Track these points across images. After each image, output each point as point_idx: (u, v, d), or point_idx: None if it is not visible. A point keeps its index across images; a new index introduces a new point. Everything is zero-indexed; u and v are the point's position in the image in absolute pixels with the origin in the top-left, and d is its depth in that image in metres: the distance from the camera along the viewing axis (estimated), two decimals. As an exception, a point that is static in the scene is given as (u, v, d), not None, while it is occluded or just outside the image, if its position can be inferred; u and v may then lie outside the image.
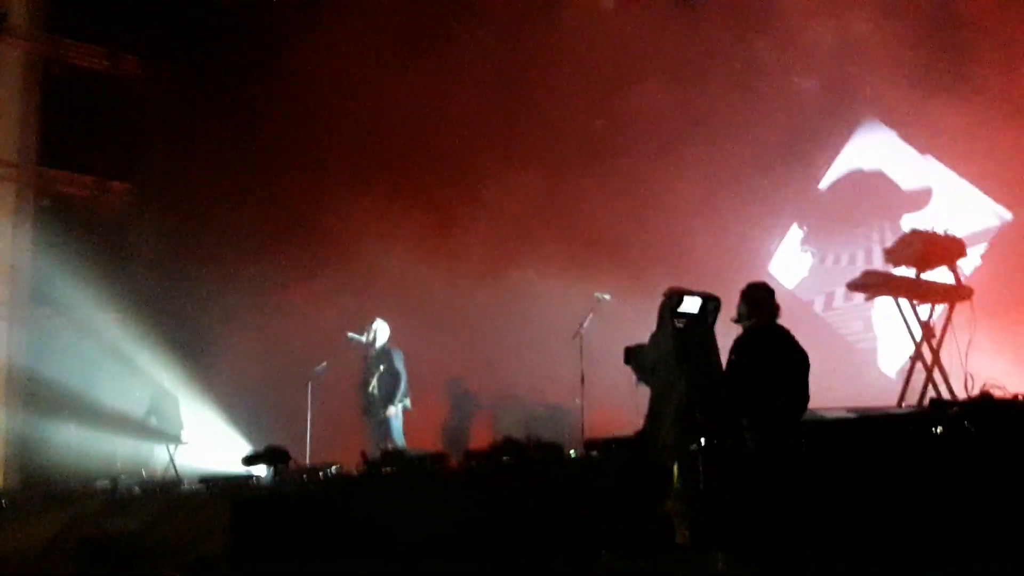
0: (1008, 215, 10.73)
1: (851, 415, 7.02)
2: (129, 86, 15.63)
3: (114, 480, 10.54)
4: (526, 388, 12.07)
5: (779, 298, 7.05)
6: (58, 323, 14.36)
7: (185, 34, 14.92)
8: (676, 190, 11.76)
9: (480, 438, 10.99)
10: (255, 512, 7.74)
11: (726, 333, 6.92)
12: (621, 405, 8.83)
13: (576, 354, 9.98)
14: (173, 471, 12.09)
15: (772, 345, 6.56)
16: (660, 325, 6.83)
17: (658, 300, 6.97)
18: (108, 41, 15.49)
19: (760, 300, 6.77)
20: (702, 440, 6.42)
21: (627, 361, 7.15)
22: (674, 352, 6.65)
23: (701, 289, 6.90)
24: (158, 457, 12.88)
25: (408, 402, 11.32)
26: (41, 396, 13.82)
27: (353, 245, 12.82)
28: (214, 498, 8.96)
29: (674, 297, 6.77)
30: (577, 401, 10.12)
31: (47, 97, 15.17)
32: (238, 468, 9.78)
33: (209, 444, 13.06)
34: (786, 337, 6.62)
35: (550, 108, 12.45)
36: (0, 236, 14.59)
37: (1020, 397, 5.96)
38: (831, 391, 8.00)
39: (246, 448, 11.61)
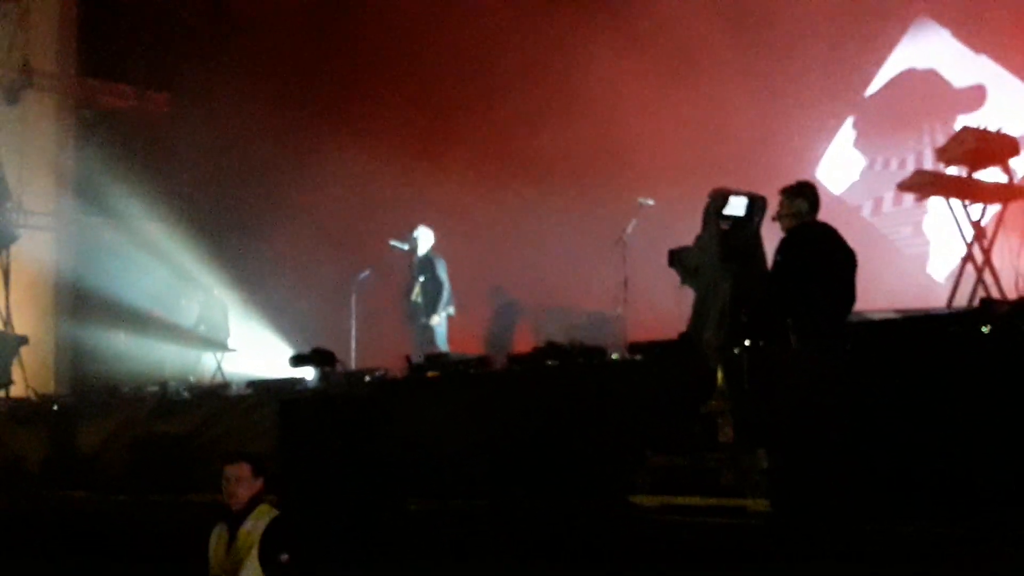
0: (1065, 116, 10.44)
1: (897, 316, 6.95)
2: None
3: (163, 385, 10.72)
4: (569, 295, 12.06)
5: (825, 203, 6.95)
6: (105, 233, 14.52)
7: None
8: (720, 93, 11.55)
9: (523, 344, 11.03)
10: (302, 413, 7.84)
11: (772, 235, 6.84)
12: (664, 312, 8.80)
13: (619, 260, 9.95)
14: (221, 376, 12.28)
15: (818, 244, 6.48)
16: (705, 226, 6.74)
17: (702, 204, 6.88)
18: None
19: (804, 198, 6.66)
20: (746, 340, 6.40)
21: (671, 263, 7.08)
22: (719, 253, 6.58)
23: (747, 190, 6.79)
24: (206, 364, 13.11)
25: (452, 309, 11.35)
26: (90, 305, 14.08)
27: (397, 153, 12.76)
28: (261, 401, 9.10)
29: (719, 198, 6.66)
30: (618, 310, 10.11)
31: (85, 8, 15.13)
32: (283, 374, 9.92)
33: (255, 351, 13.25)
34: (832, 235, 6.53)
35: (594, 9, 12.19)
36: (43, 147, 14.71)
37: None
38: (879, 295, 7.93)
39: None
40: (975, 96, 10.89)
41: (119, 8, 15.04)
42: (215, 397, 10.02)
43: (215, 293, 13.62)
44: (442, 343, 11.22)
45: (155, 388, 10.79)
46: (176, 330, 13.48)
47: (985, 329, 5.83)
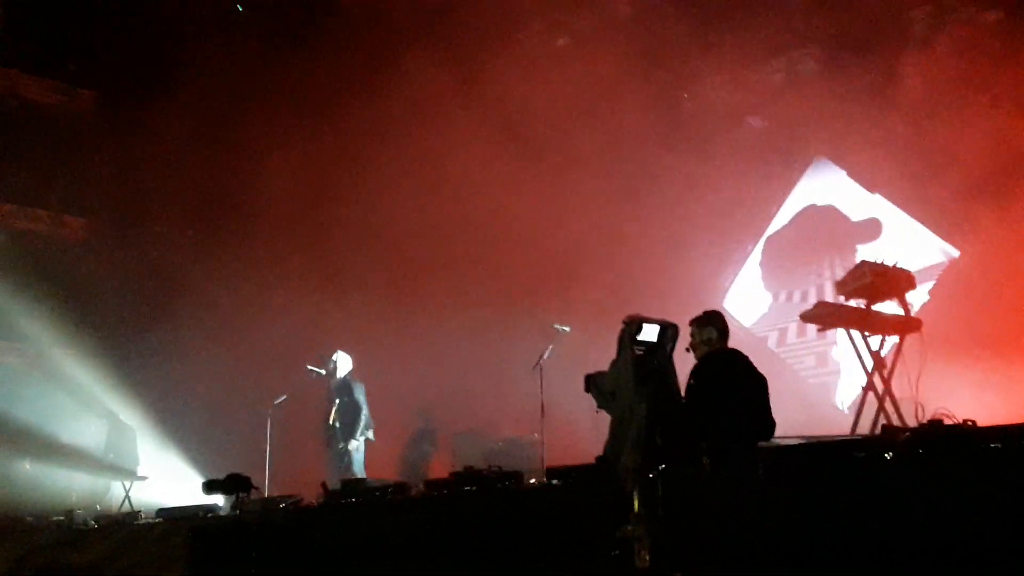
0: (955, 252, 11.01)
1: (806, 442, 7.15)
2: (83, 120, 15.60)
3: (69, 514, 10.39)
4: (487, 421, 12.13)
5: (733, 333, 7.21)
6: (12, 358, 14.19)
7: (140, 69, 14.92)
8: (632, 227, 11.96)
9: (442, 469, 11.02)
10: (213, 541, 7.68)
11: (684, 364, 7.05)
12: (581, 436, 8.91)
13: (537, 385, 10.08)
14: (129, 505, 11.96)
15: (731, 369, 6.70)
16: (620, 352, 6.92)
17: (616, 331, 7.08)
18: (63, 75, 15.49)
19: (713, 327, 6.93)
20: (661, 464, 6.51)
21: (587, 388, 7.23)
22: (633, 378, 6.75)
23: (659, 317, 7.02)
24: (114, 492, 12.75)
25: (371, 434, 11.31)
26: (-6, 431, 13.64)
27: (315, 280, 12.85)
28: (172, 529, 8.87)
29: (633, 324, 6.86)
30: (536, 436, 10.19)
31: (0, 131, 15.10)
32: (195, 502, 9.70)
33: (166, 478, 12.95)
34: (742, 361, 6.76)
35: (508, 144, 12.59)
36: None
37: (968, 423, 6.08)
38: (784, 424, 8.12)
39: (204, 483, 11.52)
40: (872, 228, 11.44)
41: (35, 132, 15.03)
42: (123, 526, 9.72)
43: (123, 420, 13.35)
44: (359, 469, 11.13)
45: (61, 517, 10.45)
46: (83, 457, 13.13)
47: (888, 456, 6.04)
